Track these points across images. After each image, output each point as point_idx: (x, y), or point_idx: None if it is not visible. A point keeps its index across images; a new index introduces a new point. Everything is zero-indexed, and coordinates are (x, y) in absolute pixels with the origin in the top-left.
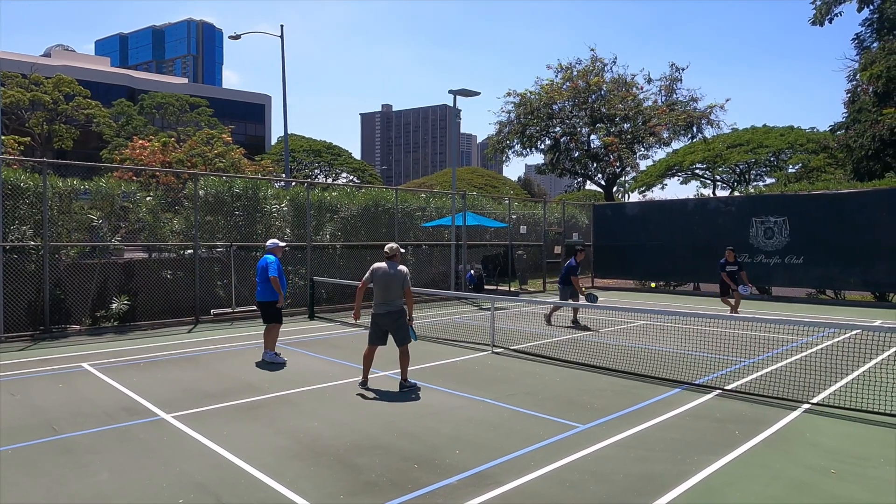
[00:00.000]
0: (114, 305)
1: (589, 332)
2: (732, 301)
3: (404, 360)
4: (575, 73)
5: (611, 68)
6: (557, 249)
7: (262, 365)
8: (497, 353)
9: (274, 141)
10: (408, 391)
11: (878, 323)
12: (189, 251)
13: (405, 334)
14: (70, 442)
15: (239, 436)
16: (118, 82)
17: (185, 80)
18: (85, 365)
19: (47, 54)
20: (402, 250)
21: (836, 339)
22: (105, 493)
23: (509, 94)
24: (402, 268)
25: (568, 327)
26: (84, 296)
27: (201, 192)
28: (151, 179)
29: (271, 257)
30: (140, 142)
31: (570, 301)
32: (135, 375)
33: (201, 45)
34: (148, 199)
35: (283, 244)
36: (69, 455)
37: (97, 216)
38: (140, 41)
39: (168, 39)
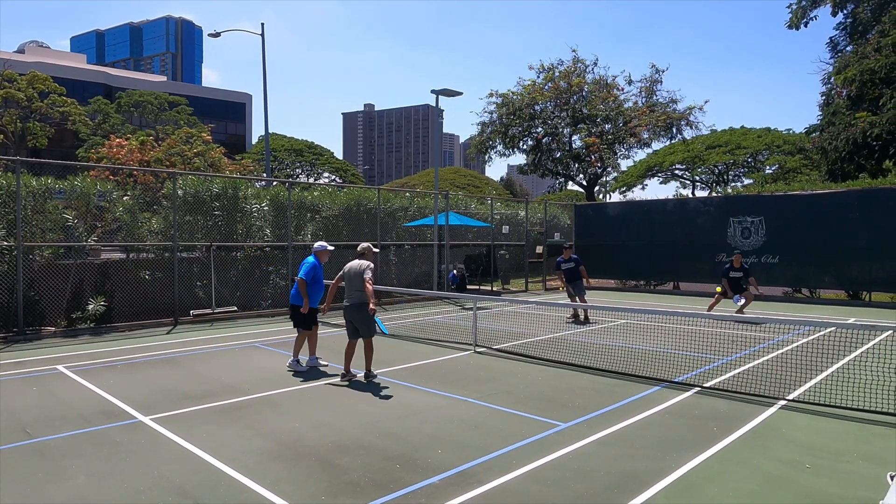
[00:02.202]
0: (90, 306)
1: (570, 332)
2: (740, 303)
3: (368, 351)
4: (557, 73)
5: (592, 69)
6: (539, 249)
7: (250, 367)
8: (479, 352)
9: (255, 140)
10: (377, 384)
11: (852, 321)
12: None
13: (368, 327)
14: (44, 446)
15: (219, 438)
16: (95, 80)
17: (164, 78)
18: (60, 367)
19: (21, 50)
20: (377, 250)
21: (811, 337)
22: (81, 497)
23: (491, 95)
24: (364, 262)
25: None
26: (59, 297)
27: (180, 192)
28: (129, 178)
29: (311, 258)
30: (117, 140)
31: (577, 296)
32: (112, 377)
33: (180, 42)
34: (125, 198)
35: (331, 247)
36: (43, 459)
37: (72, 216)
38: (117, 38)
39: (146, 36)
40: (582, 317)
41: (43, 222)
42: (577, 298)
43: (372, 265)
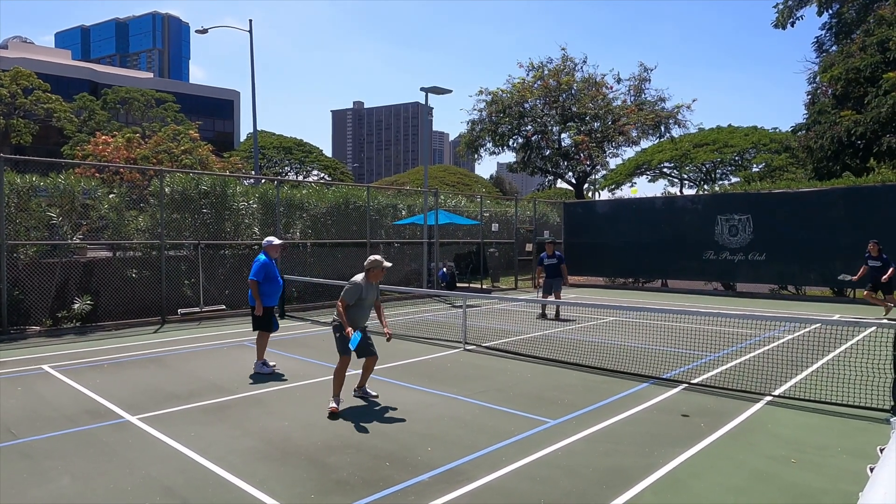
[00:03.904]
0: (76, 305)
1: (559, 329)
2: (882, 299)
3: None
4: (546, 72)
5: (581, 68)
6: (529, 247)
7: (238, 366)
8: (469, 350)
9: (243, 137)
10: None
11: (836, 317)
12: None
13: (337, 345)
14: (29, 447)
15: (206, 437)
16: (80, 76)
17: (151, 75)
18: (45, 367)
19: (4, 46)
20: (388, 264)
21: (796, 334)
22: (66, 498)
23: (481, 93)
24: (356, 277)
25: (552, 320)
26: (44, 296)
27: (167, 190)
28: (115, 176)
29: (261, 257)
30: (103, 137)
31: (553, 292)
32: (98, 377)
33: (167, 39)
34: (111, 196)
35: (278, 241)
36: (28, 460)
37: (57, 214)
38: (103, 34)
39: (132, 32)
40: (552, 314)
41: (27, 220)
42: (553, 294)
43: (351, 282)
